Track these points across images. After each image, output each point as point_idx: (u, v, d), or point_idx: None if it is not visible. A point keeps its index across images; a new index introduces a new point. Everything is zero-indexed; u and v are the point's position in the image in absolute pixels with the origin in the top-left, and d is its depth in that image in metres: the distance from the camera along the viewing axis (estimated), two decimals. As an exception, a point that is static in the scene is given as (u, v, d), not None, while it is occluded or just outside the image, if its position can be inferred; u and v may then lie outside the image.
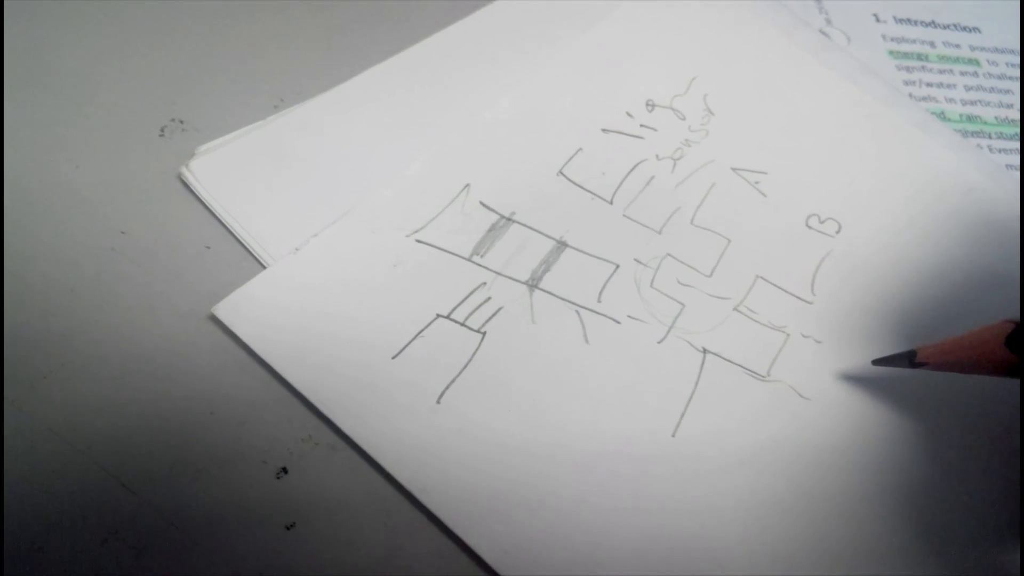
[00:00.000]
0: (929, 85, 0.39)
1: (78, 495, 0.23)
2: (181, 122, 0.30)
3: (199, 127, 0.30)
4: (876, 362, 0.27)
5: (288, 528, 0.23)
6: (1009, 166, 0.36)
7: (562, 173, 0.31)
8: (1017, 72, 0.41)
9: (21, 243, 0.27)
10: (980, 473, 0.26)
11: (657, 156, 0.32)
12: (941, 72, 0.39)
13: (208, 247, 0.28)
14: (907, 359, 0.26)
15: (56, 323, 0.26)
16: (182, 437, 0.24)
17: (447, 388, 0.26)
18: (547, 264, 0.29)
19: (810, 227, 0.31)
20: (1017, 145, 0.37)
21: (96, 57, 0.32)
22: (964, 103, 0.38)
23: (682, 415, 0.26)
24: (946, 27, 0.42)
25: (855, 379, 0.28)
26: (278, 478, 0.24)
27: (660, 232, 0.30)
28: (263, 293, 0.26)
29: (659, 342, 0.28)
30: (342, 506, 0.24)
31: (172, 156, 0.29)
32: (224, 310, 0.26)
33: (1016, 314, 0.30)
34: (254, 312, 0.26)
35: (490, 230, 0.29)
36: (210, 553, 0.23)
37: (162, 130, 0.30)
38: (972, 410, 0.27)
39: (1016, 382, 0.26)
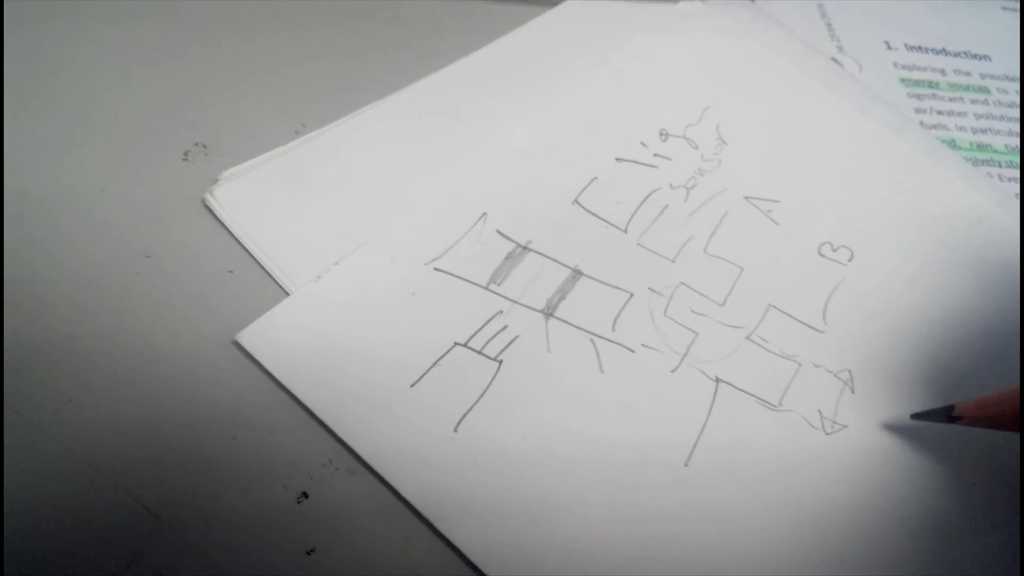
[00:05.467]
0: (940, 113, 0.39)
1: (102, 518, 0.24)
2: (204, 146, 0.31)
3: (222, 151, 0.31)
4: (914, 416, 0.27)
5: (308, 553, 0.24)
6: (1016, 195, 0.36)
7: (577, 202, 0.32)
8: (1027, 100, 0.41)
9: (46, 266, 0.27)
10: (995, 510, 0.27)
11: (671, 185, 0.33)
12: (952, 100, 0.40)
13: (231, 271, 0.28)
14: (944, 414, 0.26)
15: (81, 346, 0.26)
16: (204, 461, 0.25)
17: (464, 416, 0.26)
18: (563, 292, 0.29)
19: (822, 255, 0.32)
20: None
21: (121, 80, 0.32)
22: (974, 131, 0.39)
23: (695, 444, 0.27)
24: (957, 55, 0.42)
25: (867, 408, 0.28)
26: (298, 503, 0.24)
27: (674, 261, 0.31)
28: (285, 320, 0.27)
29: (672, 371, 0.28)
30: (361, 532, 0.24)
31: (196, 180, 0.30)
32: (248, 337, 0.26)
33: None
34: (276, 339, 0.26)
35: (507, 258, 0.30)
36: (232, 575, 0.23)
37: (186, 154, 0.31)
38: (992, 455, 0.27)
39: None
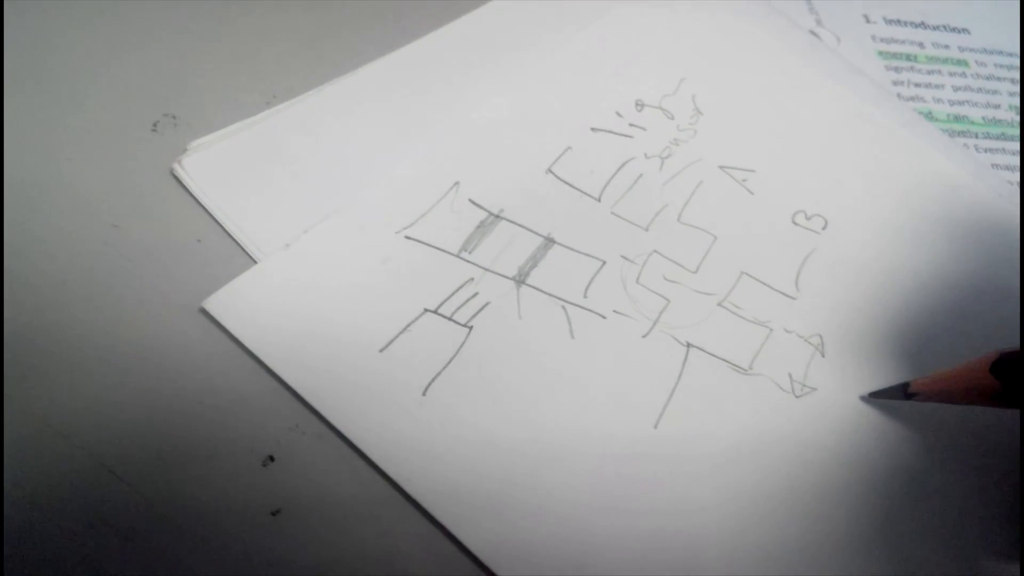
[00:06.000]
0: (917, 85, 0.39)
1: (64, 481, 0.24)
2: (174, 117, 0.31)
3: (192, 123, 0.31)
4: (871, 395, 0.27)
5: (273, 514, 0.24)
6: (1011, 183, 0.36)
7: (551, 171, 0.32)
8: (1006, 73, 0.41)
9: (13, 236, 0.27)
10: (966, 470, 0.27)
11: (645, 155, 0.33)
12: (930, 73, 0.40)
13: (199, 241, 0.28)
14: (900, 391, 0.26)
15: (48, 316, 0.26)
16: (171, 427, 0.25)
17: (433, 381, 0.26)
18: (534, 260, 0.29)
19: (796, 224, 0.32)
20: (1004, 145, 0.38)
21: (90, 53, 0.32)
22: (952, 103, 0.39)
23: (664, 407, 0.27)
24: (935, 28, 0.42)
25: (836, 372, 0.28)
26: (264, 466, 0.24)
27: (647, 229, 0.31)
28: (253, 287, 0.27)
29: (644, 336, 0.28)
30: (328, 493, 0.24)
31: (165, 151, 0.30)
32: (214, 304, 0.26)
33: (1001, 321, 0.30)
34: (244, 306, 0.26)
35: (479, 227, 0.30)
36: (195, 538, 0.23)
37: (155, 125, 0.31)
38: (959, 414, 0.28)
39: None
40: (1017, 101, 0.40)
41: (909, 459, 0.27)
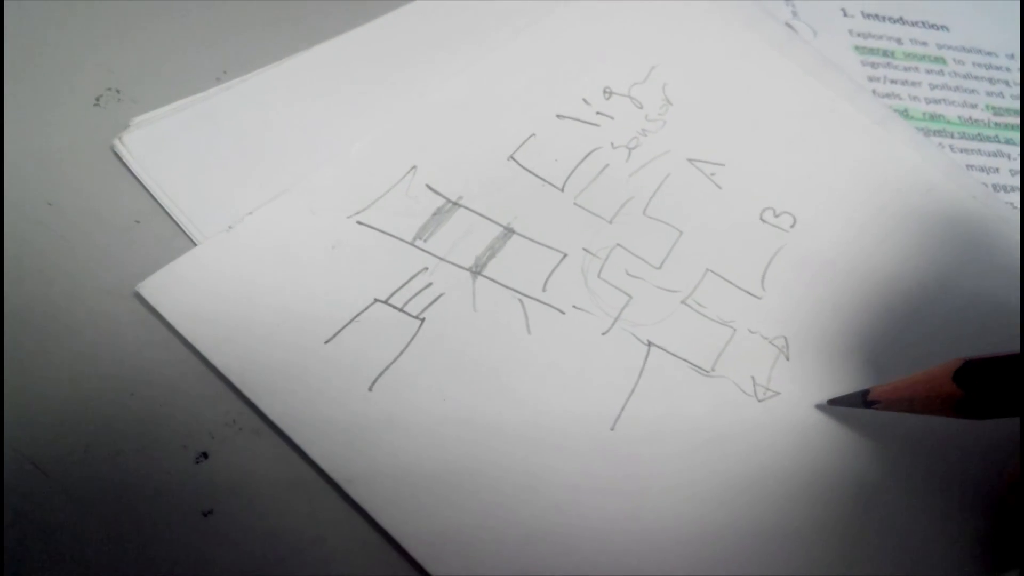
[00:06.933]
0: (894, 82, 0.38)
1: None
2: (118, 92, 0.29)
3: (137, 98, 0.29)
4: (830, 402, 0.26)
5: (205, 515, 0.22)
6: (1011, 204, 0.35)
7: (513, 158, 0.30)
8: (984, 72, 0.40)
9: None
10: (923, 476, 0.26)
11: (612, 144, 0.32)
12: (906, 69, 0.39)
13: (138, 222, 0.27)
14: (860, 398, 0.25)
15: (-27, 296, 0.25)
16: (99, 419, 0.23)
17: (381, 375, 0.25)
18: (492, 251, 0.28)
19: (764, 221, 0.31)
20: (980, 146, 0.37)
21: (32, 21, 0.30)
22: (928, 101, 0.38)
23: (623, 408, 0.26)
24: (914, 24, 0.41)
25: (800, 376, 0.27)
26: (197, 463, 0.23)
27: (611, 222, 0.30)
28: (191, 271, 0.25)
29: (603, 334, 0.27)
30: (264, 494, 0.23)
31: (106, 127, 0.28)
32: (148, 288, 0.25)
33: (969, 326, 0.29)
34: (181, 291, 0.25)
35: (435, 214, 0.28)
36: (121, 537, 0.22)
37: (97, 99, 0.29)
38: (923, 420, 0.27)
39: None
40: (995, 101, 0.39)
41: (870, 468, 0.26)
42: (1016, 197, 0.35)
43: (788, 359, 0.28)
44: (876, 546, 0.25)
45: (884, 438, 0.26)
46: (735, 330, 0.28)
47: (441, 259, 0.27)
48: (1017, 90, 0.40)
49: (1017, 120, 0.39)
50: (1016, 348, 0.24)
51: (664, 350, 0.27)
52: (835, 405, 0.26)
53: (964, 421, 0.24)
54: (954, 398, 0.23)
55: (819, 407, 0.27)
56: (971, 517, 0.25)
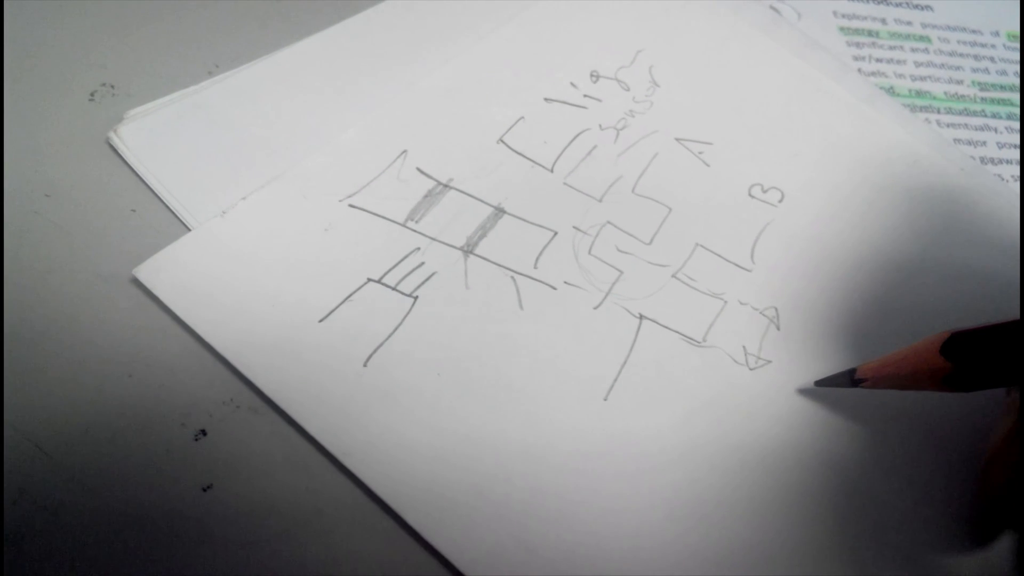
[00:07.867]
0: (879, 61, 0.39)
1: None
2: (112, 87, 0.30)
3: (131, 92, 0.30)
4: (817, 383, 0.26)
5: (205, 490, 0.23)
6: (999, 176, 0.35)
7: (503, 141, 0.31)
8: (968, 49, 0.41)
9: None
10: (911, 445, 0.26)
11: (600, 126, 0.32)
12: (891, 48, 0.39)
13: (134, 210, 0.27)
14: (847, 377, 0.25)
15: (-25, 286, 0.25)
16: (99, 400, 0.24)
17: (375, 352, 0.25)
18: (483, 230, 0.28)
19: (752, 196, 0.31)
20: (966, 120, 0.37)
21: (28, 19, 0.31)
22: (914, 78, 0.38)
23: (615, 379, 0.26)
24: (898, 5, 0.42)
25: (791, 345, 0.28)
26: (196, 440, 0.23)
27: (601, 200, 0.30)
28: (187, 255, 0.26)
29: (595, 308, 0.27)
30: (262, 469, 0.23)
31: (102, 120, 0.29)
32: (145, 272, 0.25)
33: (958, 298, 0.29)
34: (177, 274, 0.25)
35: (426, 196, 0.29)
36: (124, 514, 0.22)
37: (92, 94, 0.30)
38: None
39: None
40: (981, 77, 0.39)
41: (862, 436, 0.26)
42: (1004, 169, 0.35)
43: (779, 329, 0.28)
44: (866, 512, 0.25)
45: (873, 405, 0.27)
46: (726, 302, 0.28)
47: (433, 239, 0.28)
48: (1004, 66, 0.40)
49: (1005, 95, 0.39)
50: (1003, 319, 0.23)
51: (655, 322, 0.27)
52: (821, 386, 0.26)
53: (952, 395, 0.23)
54: (942, 371, 0.22)
55: (803, 391, 0.27)
56: (956, 490, 0.25)
